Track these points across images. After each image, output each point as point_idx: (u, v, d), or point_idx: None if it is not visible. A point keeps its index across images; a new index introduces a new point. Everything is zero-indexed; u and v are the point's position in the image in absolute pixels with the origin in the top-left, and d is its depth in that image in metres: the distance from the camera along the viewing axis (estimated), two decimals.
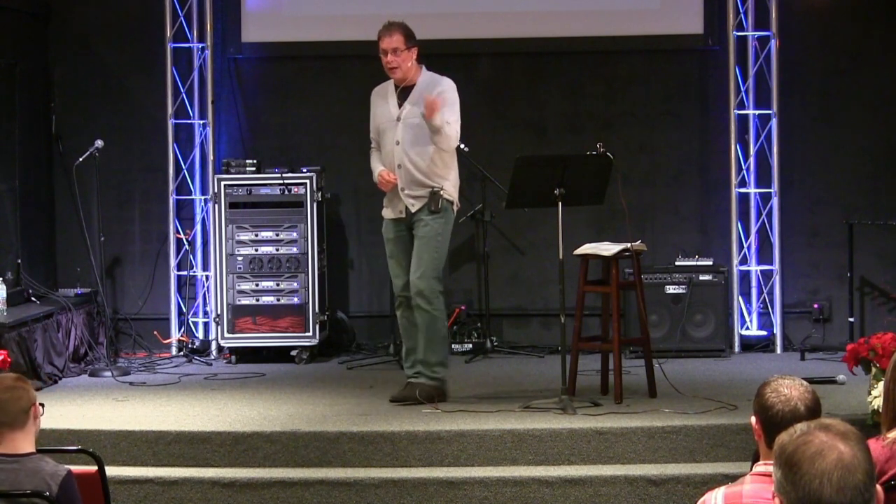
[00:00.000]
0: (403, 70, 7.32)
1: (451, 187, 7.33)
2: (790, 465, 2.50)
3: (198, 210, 9.44)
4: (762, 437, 3.45)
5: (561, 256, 7.13)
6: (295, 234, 8.93)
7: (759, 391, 3.50)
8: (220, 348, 9.09)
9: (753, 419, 3.48)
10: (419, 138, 7.26)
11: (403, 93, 7.37)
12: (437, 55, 9.12)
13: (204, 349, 9.19)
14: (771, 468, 2.61)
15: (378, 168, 7.39)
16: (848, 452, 2.48)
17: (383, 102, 7.43)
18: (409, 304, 7.34)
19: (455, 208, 7.40)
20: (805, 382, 3.52)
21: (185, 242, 9.37)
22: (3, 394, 4.28)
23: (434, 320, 7.27)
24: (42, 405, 4.44)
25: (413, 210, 7.31)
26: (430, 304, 7.25)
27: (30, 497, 4.19)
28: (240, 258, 8.94)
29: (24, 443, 4.29)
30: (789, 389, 3.45)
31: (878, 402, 5.98)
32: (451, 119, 7.23)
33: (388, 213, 7.45)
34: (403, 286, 7.36)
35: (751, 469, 3.50)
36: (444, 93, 7.27)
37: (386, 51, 7.33)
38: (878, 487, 2.52)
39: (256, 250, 8.94)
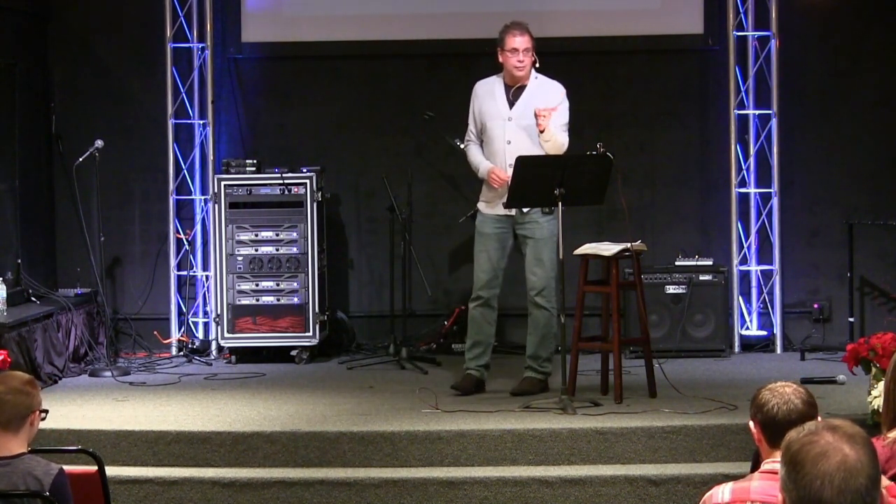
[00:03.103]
0: (528, 70, 7.40)
1: None
2: (794, 464, 2.50)
3: (198, 210, 9.44)
4: (762, 439, 3.48)
5: (561, 256, 7.13)
6: (295, 234, 8.93)
7: (753, 396, 3.55)
8: (220, 348, 9.09)
9: (752, 424, 3.51)
10: (532, 139, 7.36)
11: (514, 92, 7.45)
12: (438, 55, 9.14)
13: (204, 349, 9.19)
14: (777, 465, 2.61)
15: (486, 163, 7.45)
16: (853, 456, 2.48)
17: (490, 99, 7.48)
18: (489, 302, 7.48)
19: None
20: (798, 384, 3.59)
21: (185, 242, 9.37)
22: (6, 394, 4.27)
23: (551, 318, 7.44)
24: (46, 411, 4.43)
25: (525, 210, 7.38)
26: (549, 302, 7.43)
27: (23, 497, 4.19)
28: (240, 258, 8.94)
29: (15, 445, 4.28)
30: (783, 387, 3.53)
31: (878, 402, 5.97)
32: (563, 123, 7.37)
33: (491, 209, 7.51)
34: (488, 282, 7.49)
35: (751, 470, 3.51)
36: (564, 113, 7.41)
37: (518, 50, 7.36)
38: (884, 491, 2.51)
39: (256, 250, 8.94)
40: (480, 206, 7.60)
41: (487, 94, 7.52)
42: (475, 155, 7.55)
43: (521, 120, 7.40)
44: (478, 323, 7.54)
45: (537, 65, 7.47)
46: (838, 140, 9.35)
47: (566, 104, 7.47)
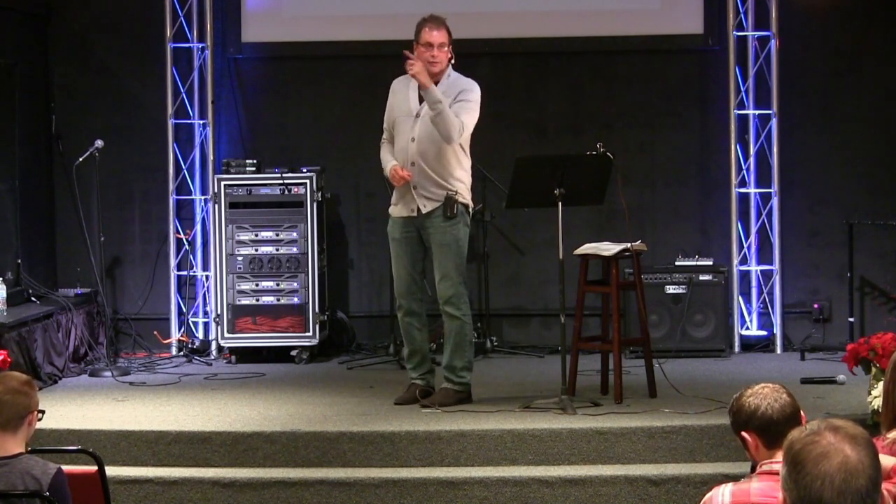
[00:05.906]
0: (441, 67, 7.08)
1: (465, 190, 7.20)
2: (795, 464, 2.50)
3: (198, 210, 9.44)
4: (759, 444, 3.47)
5: (561, 256, 7.13)
6: (295, 234, 8.93)
7: (734, 410, 3.52)
8: (220, 348, 9.09)
9: (745, 435, 3.49)
10: (436, 137, 7.06)
11: None
12: None
13: (204, 349, 9.19)
14: (776, 466, 2.61)
15: (390, 162, 7.15)
16: (854, 457, 2.47)
17: (403, 95, 7.23)
18: (411, 309, 7.26)
19: (471, 210, 7.31)
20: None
21: (185, 242, 9.37)
22: (4, 394, 4.28)
23: (463, 326, 7.22)
24: (42, 412, 4.44)
25: (424, 211, 7.12)
26: (459, 310, 7.20)
27: (22, 497, 4.19)
28: (240, 258, 8.94)
29: (13, 445, 4.29)
30: (762, 389, 3.57)
31: (878, 402, 5.98)
32: (464, 119, 7.04)
33: (397, 212, 7.25)
34: (407, 289, 7.24)
35: (751, 470, 3.51)
36: (467, 93, 7.11)
37: (432, 44, 7.04)
38: (885, 492, 2.51)
39: (256, 250, 8.94)
40: (390, 209, 7.31)
41: (401, 89, 7.24)
42: (383, 154, 7.24)
43: (428, 116, 7.05)
44: (408, 332, 7.29)
45: (453, 61, 7.15)
46: (838, 140, 9.34)
47: (474, 98, 7.09)
